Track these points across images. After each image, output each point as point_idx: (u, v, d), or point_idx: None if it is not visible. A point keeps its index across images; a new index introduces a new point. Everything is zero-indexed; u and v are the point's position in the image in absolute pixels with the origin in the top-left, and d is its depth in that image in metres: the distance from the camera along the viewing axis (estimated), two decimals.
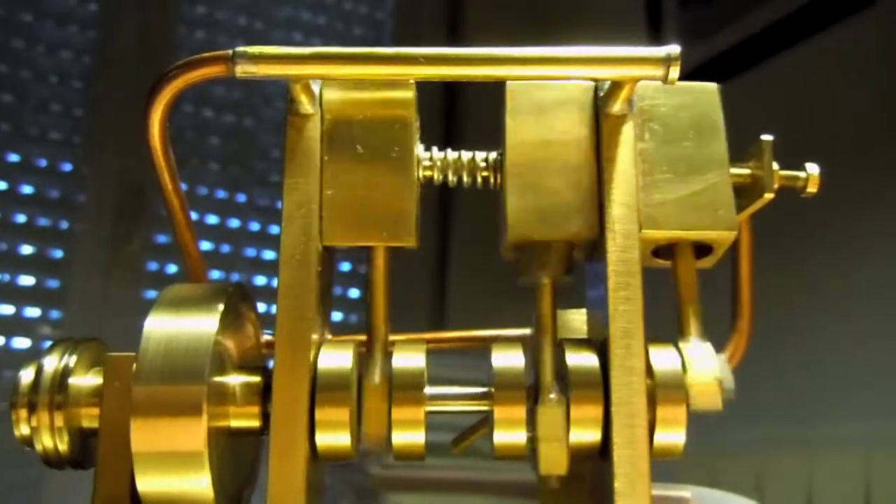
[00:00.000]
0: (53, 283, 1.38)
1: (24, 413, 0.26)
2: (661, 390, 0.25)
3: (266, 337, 0.30)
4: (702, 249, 0.29)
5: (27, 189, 1.39)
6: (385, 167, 0.28)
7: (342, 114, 0.28)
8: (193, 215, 1.55)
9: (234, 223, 1.50)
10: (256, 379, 0.26)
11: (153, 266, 1.44)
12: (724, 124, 0.28)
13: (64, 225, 1.40)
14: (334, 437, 0.25)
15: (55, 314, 1.37)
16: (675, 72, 0.25)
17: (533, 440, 0.27)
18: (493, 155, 0.29)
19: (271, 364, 0.28)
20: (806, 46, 1.11)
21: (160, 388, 0.24)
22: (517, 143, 0.28)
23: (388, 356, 0.27)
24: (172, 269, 1.46)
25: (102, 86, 1.43)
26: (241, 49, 0.25)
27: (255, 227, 1.52)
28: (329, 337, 0.29)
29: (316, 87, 0.28)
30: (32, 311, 1.36)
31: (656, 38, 1.39)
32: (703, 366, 0.26)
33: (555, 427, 0.26)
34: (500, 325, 0.36)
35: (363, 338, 0.28)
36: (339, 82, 0.28)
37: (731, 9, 1.26)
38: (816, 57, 1.10)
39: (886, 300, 0.93)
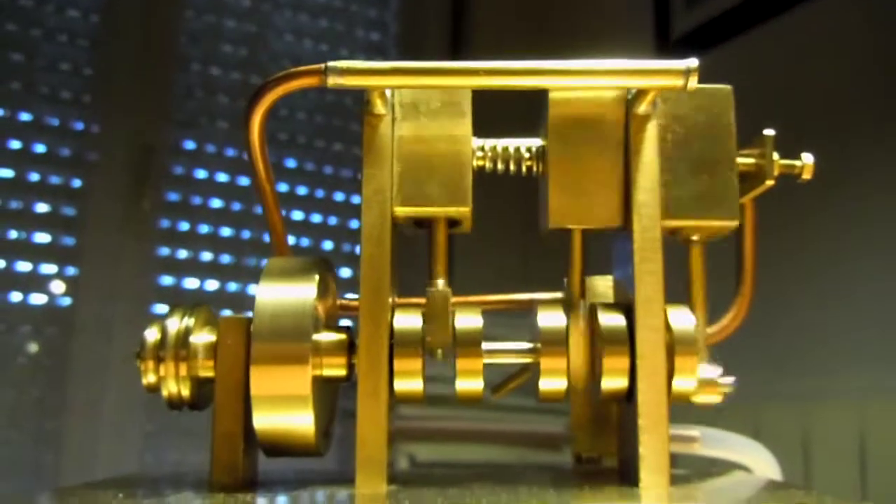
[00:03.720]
0: (68, 241, 1.42)
1: (151, 364, 0.31)
2: (678, 345, 0.31)
3: (340, 301, 0.36)
4: None
5: (40, 148, 1.42)
6: (445, 148, 0.33)
7: (410, 106, 0.33)
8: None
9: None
10: (343, 336, 0.32)
11: (165, 223, 1.48)
12: (735, 124, 0.33)
13: (77, 183, 1.43)
14: (410, 384, 0.31)
15: (71, 270, 1.41)
16: (693, 81, 0.30)
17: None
18: (535, 144, 0.34)
19: (349, 322, 0.34)
20: (800, 11, 1.13)
21: (274, 344, 0.29)
22: (559, 141, 0.33)
23: (450, 316, 0.32)
24: (184, 226, 1.50)
25: (111, 45, 1.45)
26: (332, 63, 0.30)
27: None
28: (397, 300, 0.34)
29: (388, 91, 0.32)
30: (48, 268, 1.39)
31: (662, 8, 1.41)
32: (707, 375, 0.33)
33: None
34: (505, 287, 0.41)
35: (423, 300, 0.33)
36: None
37: None
38: (811, 21, 1.12)
39: (882, 256, 0.98)
